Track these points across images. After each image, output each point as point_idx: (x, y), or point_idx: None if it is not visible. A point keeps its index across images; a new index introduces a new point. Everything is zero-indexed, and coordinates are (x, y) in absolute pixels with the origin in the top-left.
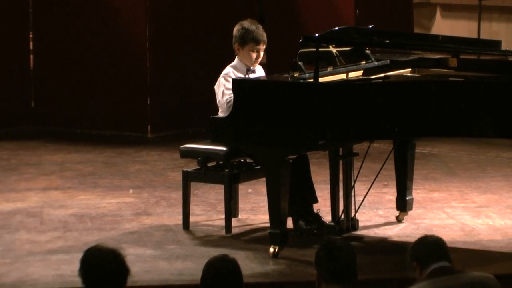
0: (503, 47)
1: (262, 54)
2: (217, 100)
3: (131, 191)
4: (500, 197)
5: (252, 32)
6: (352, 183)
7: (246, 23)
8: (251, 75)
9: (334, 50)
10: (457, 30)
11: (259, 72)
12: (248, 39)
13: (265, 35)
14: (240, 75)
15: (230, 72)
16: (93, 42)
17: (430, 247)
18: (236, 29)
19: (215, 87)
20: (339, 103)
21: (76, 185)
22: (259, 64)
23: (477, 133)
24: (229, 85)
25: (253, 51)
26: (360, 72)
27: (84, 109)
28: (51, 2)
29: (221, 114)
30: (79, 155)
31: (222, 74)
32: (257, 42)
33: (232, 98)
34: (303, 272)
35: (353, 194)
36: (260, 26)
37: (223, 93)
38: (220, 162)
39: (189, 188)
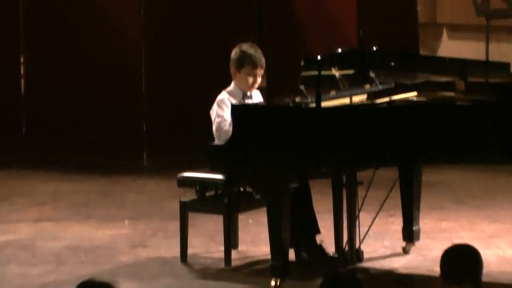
0: None
1: (259, 79)
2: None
3: (126, 222)
4: (511, 226)
5: (250, 55)
6: (357, 213)
7: (245, 46)
8: (248, 101)
9: (337, 73)
10: (464, 51)
11: (256, 97)
12: (245, 62)
13: (263, 59)
14: (236, 102)
15: (225, 99)
16: (86, 67)
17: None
18: (233, 52)
19: (210, 113)
20: (342, 129)
21: (69, 216)
22: (258, 88)
23: (486, 159)
24: (221, 112)
25: (249, 75)
26: (364, 96)
27: (77, 136)
28: (42, 25)
29: (217, 141)
30: (72, 184)
31: (216, 100)
32: (254, 65)
33: (222, 124)
34: None
35: (357, 224)
36: (259, 50)
37: (214, 121)
38: (219, 191)
39: (187, 218)
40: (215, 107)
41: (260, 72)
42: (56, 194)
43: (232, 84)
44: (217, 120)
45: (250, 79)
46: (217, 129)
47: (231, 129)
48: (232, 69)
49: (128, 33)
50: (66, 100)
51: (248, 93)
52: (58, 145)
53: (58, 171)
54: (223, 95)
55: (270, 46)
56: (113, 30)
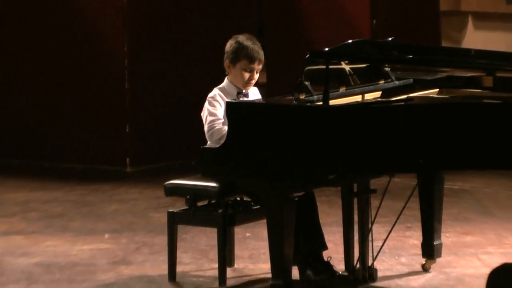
0: None
1: (256, 76)
2: None
3: (106, 235)
4: None
5: (247, 48)
6: (369, 225)
7: (241, 38)
8: (243, 100)
9: (346, 68)
10: (492, 43)
11: (253, 95)
12: (241, 56)
13: (262, 53)
14: (230, 100)
15: (217, 95)
16: (62, 59)
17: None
18: (229, 44)
19: (201, 114)
20: (353, 130)
21: (42, 229)
22: (256, 85)
23: None
24: (213, 110)
25: (245, 70)
26: (378, 93)
27: (51, 138)
28: (12, 13)
29: (209, 143)
30: (45, 193)
31: (207, 98)
32: (252, 59)
33: (215, 123)
34: None
35: (370, 238)
36: (258, 43)
37: (205, 120)
38: (212, 201)
39: (176, 232)
40: (206, 106)
41: (257, 67)
42: (27, 204)
43: (226, 80)
44: (209, 118)
45: (246, 75)
46: (209, 129)
47: (224, 128)
48: (226, 62)
49: (109, 21)
50: (39, 98)
51: (244, 91)
52: (30, 148)
53: (30, 178)
54: (215, 92)
55: (270, 37)
56: (93, 18)
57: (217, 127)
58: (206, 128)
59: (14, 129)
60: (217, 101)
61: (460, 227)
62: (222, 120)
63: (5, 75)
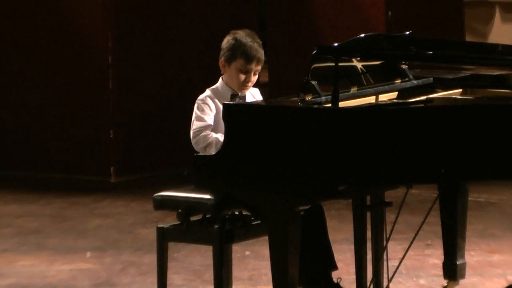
0: None
1: (254, 78)
2: None
3: (88, 254)
4: None
5: (244, 46)
6: (384, 243)
7: (240, 34)
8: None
9: (358, 65)
10: None
11: (252, 97)
12: (238, 54)
13: (262, 52)
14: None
15: (207, 98)
16: (37, 55)
17: None
18: (225, 40)
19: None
20: (366, 136)
21: (16, 247)
22: (257, 85)
23: None
24: (201, 114)
25: (241, 71)
26: (394, 94)
27: (26, 145)
28: None
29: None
30: (19, 206)
31: (196, 100)
32: (249, 59)
33: (201, 132)
34: None
35: (385, 257)
36: (258, 41)
37: (191, 125)
38: (207, 216)
39: (166, 250)
40: (194, 109)
41: (255, 68)
42: None
43: (220, 81)
44: (196, 124)
45: (242, 77)
46: (194, 135)
47: (211, 134)
48: (221, 60)
49: (90, 18)
50: (11, 99)
51: (239, 94)
52: (3, 157)
53: (1, 190)
54: (206, 93)
55: (273, 32)
56: (71, 14)
57: (202, 134)
58: (191, 134)
59: None
60: (207, 104)
61: (486, 245)
62: (211, 126)
63: None
